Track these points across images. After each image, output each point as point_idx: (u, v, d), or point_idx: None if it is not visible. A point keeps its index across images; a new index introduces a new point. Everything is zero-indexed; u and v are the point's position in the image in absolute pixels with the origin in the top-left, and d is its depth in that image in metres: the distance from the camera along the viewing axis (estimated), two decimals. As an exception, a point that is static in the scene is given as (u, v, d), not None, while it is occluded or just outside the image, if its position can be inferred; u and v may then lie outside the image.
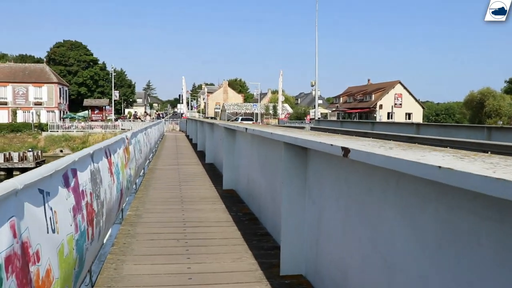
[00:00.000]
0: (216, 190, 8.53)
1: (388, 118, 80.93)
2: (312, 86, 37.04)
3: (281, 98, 57.89)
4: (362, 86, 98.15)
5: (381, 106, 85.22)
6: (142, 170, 10.55)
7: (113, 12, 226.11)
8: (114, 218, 5.02)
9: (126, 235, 5.33)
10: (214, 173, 10.99)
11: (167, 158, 14.94)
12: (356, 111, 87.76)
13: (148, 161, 13.01)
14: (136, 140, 8.23)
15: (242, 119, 51.65)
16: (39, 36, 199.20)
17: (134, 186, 8.36)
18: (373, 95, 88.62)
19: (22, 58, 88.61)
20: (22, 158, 33.71)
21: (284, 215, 4.10)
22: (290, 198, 4.06)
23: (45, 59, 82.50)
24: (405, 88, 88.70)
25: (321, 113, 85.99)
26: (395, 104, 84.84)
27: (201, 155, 15.62)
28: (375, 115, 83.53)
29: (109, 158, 4.72)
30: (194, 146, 19.85)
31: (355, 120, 66.45)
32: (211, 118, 52.80)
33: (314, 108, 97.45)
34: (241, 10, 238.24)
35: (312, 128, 34.71)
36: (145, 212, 6.60)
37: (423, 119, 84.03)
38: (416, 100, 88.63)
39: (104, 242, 4.67)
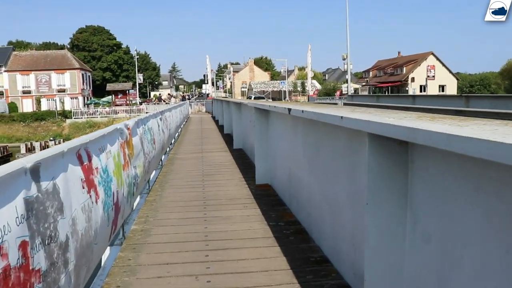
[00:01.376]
0: (248, 186, 6.87)
1: (421, 91, 77.76)
2: (344, 59, 34.76)
3: (310, 73, 55.52)
4: (392, 59, 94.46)
5: (413, 79, 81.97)
6: (160, 162, 9.00)
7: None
8: (91, 258, 3.30)
9: (123, 269, 3.72)
10: (244, 161, 9.32)
11: (190, 144, 13.36)
12: (387, 85, 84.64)
13: (168, 149, 11.46)
14: (146, 129, 6.61)
15: (254, 98, 49.75)
16: (62, 23, 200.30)
17: (146, 185, 6.78)
18: (404, 68, 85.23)
19: (46, 46, 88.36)
20: (44, 148, 32.97)
21: (369, 258, 2.39)
22: (378, 228, 2.34)
23: (68, 46, 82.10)
24: (438, 59, 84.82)
25: (344, 88, 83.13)
26: (428, 76, 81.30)
27: (228, 139, 13.99)
28: (407, 88, 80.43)
29: (86, 163, 3.09)
30: (221, 128, 18.24)
31: (388, 94, 63.63)
32: (225, 97, 51.08)
33: (343, 83, 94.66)
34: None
35: (345, 104, 32.61)
36: (155, 226, 4.99)
37: (457, 91, 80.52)
38: (450, 72, 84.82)
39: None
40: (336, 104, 37.33)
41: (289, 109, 4.89)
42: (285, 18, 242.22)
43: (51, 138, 35.32)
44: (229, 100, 15.89)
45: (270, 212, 5.37)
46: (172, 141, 13.44)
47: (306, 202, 4.68)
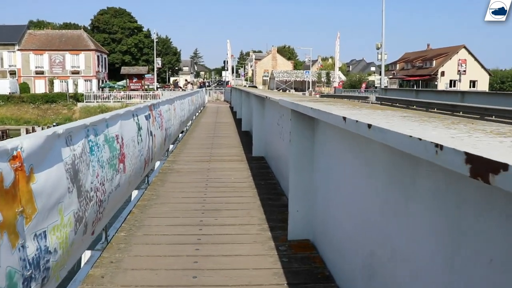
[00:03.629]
0: (274, 244, 3.96)
1: (451, 86, 73.89)
2: (378, 49, 31.35)
3: (338, 63, 52.00)
4: (421, 52, 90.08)
5: (443, 73, 78.01)
6: (145, 179, 6.16)
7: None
8: None
9: None
10: (267, 183, 6.40)
11: (197, 145, 10.49)
12: (415, 78, 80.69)
13: (167, 153, 8.61)
14: (106, 137, 3.80)
15: (280, 89, 46.12)
16: (84, 4, 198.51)
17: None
18: (434, 61, 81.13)
19: (66, 26, 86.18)
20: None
21: None
22: None
23: (88, 27, 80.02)
24: (470, 53, 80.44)
25: (377, 80, 79.23)
26: (459, 71, 77.07)
27: (246, 139, 11.10)
28: (436, 82, 76.60)
29: None
30: (238, 123, 15.32)
31: (418, 88, 59.91)
32: (249, 86, 47.86)
33: (368, 76, 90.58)
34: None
35: (377, 99, 29.26)
36: None
37: (488, 87, 76.38)
38: (483, 67, 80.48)
39: None
40: (367, 98, 33.94)
41: (369, 125, 1.99)
42: (309, 7, 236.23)
43: (54, 124, 32.78)
44: (249, 91, 12.93)
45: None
46: (173, 144, 10.59)
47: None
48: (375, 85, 66.12)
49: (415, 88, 64.87)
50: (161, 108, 7.43)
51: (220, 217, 4.77)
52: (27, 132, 30.33)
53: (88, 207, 3.31)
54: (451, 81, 75.34)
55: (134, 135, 5.13)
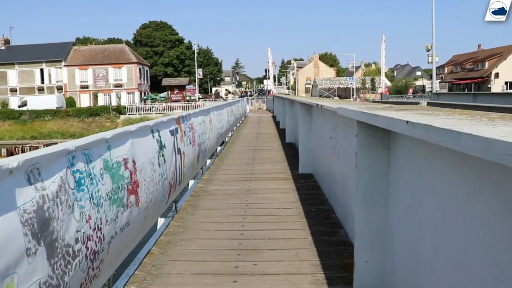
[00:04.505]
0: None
1: (507, 88, 69.93)
2: (428, 51, 29.43)
3: (384, 68, 49.96)
4: (471, 53, 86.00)
5: (497, 75, 74.12)
6: (173, 205, 5.18)
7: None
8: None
9: None
10: (319, 213, 5.27)
11: (237, 160, 9.47)
12: (465, 81, 76.96)
13: (201, 170, 7.65)
14: (107, 163, 2.85)
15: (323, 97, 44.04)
16: (128, 19, 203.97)
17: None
18: (486, 63, 77.17)
19: (111, 42, 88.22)
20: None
21: None
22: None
23: (131, 42, 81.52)
24: (528, 52, 75.95)
25: (424, 85, 76.11)
26: (516, 71, 72.83)
27: (291, 152, 10.00)
28: (489, 85, 72.82)
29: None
30: (281, 133, 14.24)
31: (470, 91, 56.84)
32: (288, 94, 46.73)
33: (414, 80, 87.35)
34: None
35: (429, 104, 27.38)
36: None
37: (545, 88, 71.73)
38: (543, 66, 75.74)
39: None
40: (417, 103, 31.89)
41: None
42: (349, 13, 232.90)
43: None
44: (293, 98, 11.84)
45: None
46: (213, 154, 9.64)
47: None
48: (424, 90, 63.40)
49: (466, 91, 61.76)
50: (192, 120, 6.45)
51: (261, 261, 3.67)
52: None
53: (69, 268, 2.30)
54: (506, 83, 71.36)
55: (154, 156, 4.14)
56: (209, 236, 4.42)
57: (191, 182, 7.17)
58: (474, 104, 24.51)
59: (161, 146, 4.47)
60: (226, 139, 12.83)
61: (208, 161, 9.08)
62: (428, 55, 29.77)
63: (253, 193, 6.23)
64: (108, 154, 3.02)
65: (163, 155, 4.47)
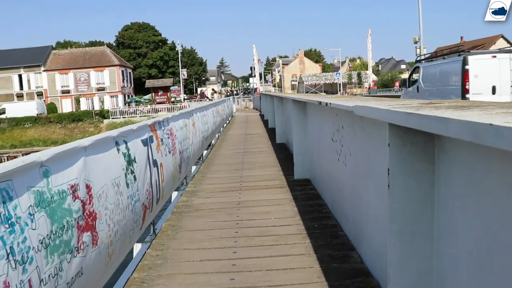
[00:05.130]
0: None
1: (492, 78, 69.90)
2: (416, 43, 28.86)
3: (371, 62, 49.38)
4: (454, 45, 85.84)
5: (481, 66, 74.05)
6: (152, 227, 4.35)
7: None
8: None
9: None
10: (324, 230, 4.47)
11: (224, 165, 8.64)
12: (451, 73, 76.87)
13: (185, 180, 6.83)
14: (41, 197, 2.01)
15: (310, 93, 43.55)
16: (109, 21, 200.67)
17: None
18: (470, 54, 77.16)
19: (92, 45, 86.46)
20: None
21: None
22: None
23: (114, 44, 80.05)
24: (509, 42, 76.21)
25: (410, 78, 75.80)
26: (497, 62, 72.78)
27: (283, 154, 9.22)
28: (474, 76, 72.77)
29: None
30: (271, 133, 13.44)
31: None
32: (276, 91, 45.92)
33: (400, 74, 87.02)
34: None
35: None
36: None
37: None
38: (523, 55, 75.89)
39: None
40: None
41: None
42: (331, 9, 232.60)
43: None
44: (283, 96, 11.03)
45: None
46: (199, 159, 8.81)
47: None
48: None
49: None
50: (171, 125, 5.60)
51: None
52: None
53: None
54: (489, 73, 71.48)
55: (119, 175, 3.30)
56: (194, 269, 3.59)
57: (174, 194, 6.34)
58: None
59: (130, 161, 3.63)
60: (213, 141, 11.99)
61: (193, 167, 8.25)
62: (416, 47, 29.18)
63: (245, 206, 5.40)
64: (44, 182, 2.18)
65: (132, 172, 3.63)
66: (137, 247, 4.26)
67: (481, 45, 77.08)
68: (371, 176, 3.10)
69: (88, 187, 2.70)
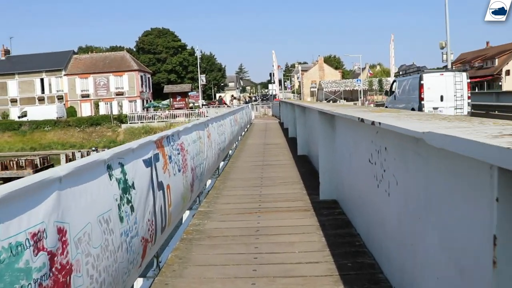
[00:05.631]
0: None
1: (519, 85, 68.31)
2: (442, 48, 27.80)
3: (393, 69, 48.22)
4: (479, 51, 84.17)
5: (508, 72, 72.64)
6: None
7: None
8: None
9: None
10: (361, 272, 3.74)
11: (240, 184, 7.94)
12: (475, 80, 74.95)
13: (198, 198, 6.16)
14: None
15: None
16: (129, 27, 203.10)
17: None
18: (496, 60, 75.56)
19: (113, 49, 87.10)
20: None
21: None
22: None
23: (134, 49, 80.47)
24: (537, 47, 74.30)
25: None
26: (527, 68, 71.22)
27: (305, 169, 8.51)
28: (500, 83, 71.18)
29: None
30: (291, 143, 12.74)
31: (484, 90, 55.14)
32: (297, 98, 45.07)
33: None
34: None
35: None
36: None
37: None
38: (555, 61, 74.11)
39: None
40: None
41: None
42: (352, 15, 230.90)
43: (93, 148, 31.37)
44: (305, 105, 10.31)
45: None
46: (215, 172, 8.15)
47: None
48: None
49: (476, 90, 59.93)
50: (182, 139, 4.94)
51: None
52: (67, 158, 28.93)
53: None
54: (518, 79, 69.80)
55: (109, 209, 2.63)
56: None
57: (186, 214, 5.68)
58: (499, 104, 22.89)
59: (127, 188, 2.96)
60: (230, 152, 11.33)
61: (208, 181, 7.60)
62: (442, 52, 28.13)
63: (264, 234, 4.69)
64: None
65: (129, 201, 2.96)
66: (138, 283, 3.62)
67: (509, 50, 75.25)
68: (431, 221, 2.37)
69: (61, 231, 2.04)
